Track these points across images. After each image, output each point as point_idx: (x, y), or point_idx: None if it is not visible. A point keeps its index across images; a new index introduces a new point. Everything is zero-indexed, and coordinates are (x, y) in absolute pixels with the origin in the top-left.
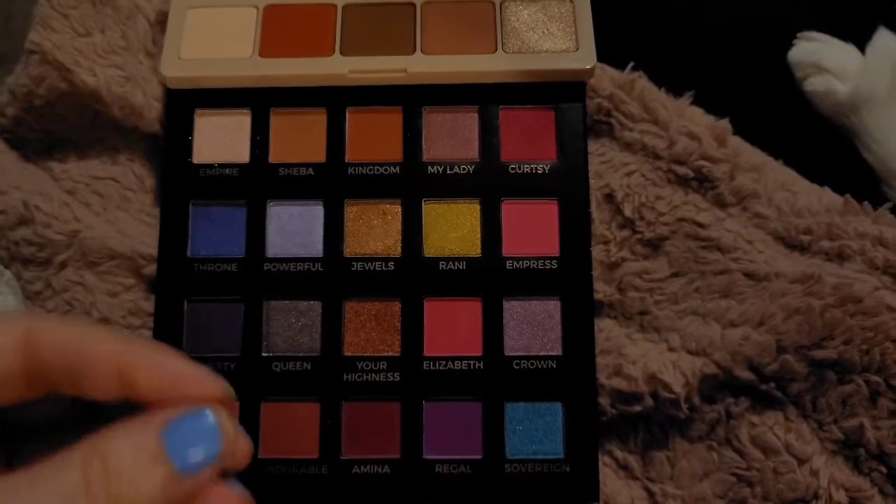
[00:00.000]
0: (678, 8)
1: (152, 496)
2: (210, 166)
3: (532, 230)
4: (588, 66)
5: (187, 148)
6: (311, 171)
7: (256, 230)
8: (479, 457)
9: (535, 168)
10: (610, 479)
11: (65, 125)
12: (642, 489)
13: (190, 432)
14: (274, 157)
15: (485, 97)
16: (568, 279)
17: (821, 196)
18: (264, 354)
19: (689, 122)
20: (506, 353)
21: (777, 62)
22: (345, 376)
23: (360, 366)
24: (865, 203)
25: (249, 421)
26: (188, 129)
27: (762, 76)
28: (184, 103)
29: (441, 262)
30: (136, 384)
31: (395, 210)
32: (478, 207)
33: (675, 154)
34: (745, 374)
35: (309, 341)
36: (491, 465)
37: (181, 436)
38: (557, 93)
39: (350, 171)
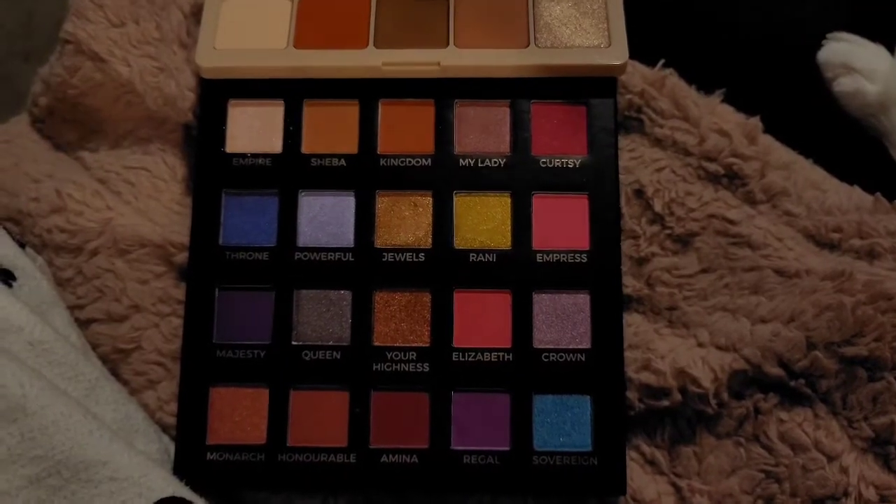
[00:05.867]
0: (709, 6)
1: None
2: (243, 156)
3: (562, 224)
4: (619, 62)
5: (220, 137)
6: (343, 161)
7: (288, 220)
8: (506, 448)
9: (566, 162)
10: (637, 474)
11: (98, 115)
12: (669, 484)
13: None
14: (306, 148)
15: (517, 91)
16: (597, 273)
17: (850, 194)
18: (294, 343)
19: (720, 120)
20: (535, 346)
21: (807, 62)
22: (374, 366)
23: (389, 356)
24: (895, 202)
25: (279, 408)
26: (222, 118)
27: (792, 75)
28: (218, 93)
29: (471, 254)
30: None
31: (426, 202)
32: (508, 200)
33: (706, 151)
34: (775, 371)
35: (339, 330)
36: (518, 456)
37: None
38: (589, 88)
39: (382, 162)
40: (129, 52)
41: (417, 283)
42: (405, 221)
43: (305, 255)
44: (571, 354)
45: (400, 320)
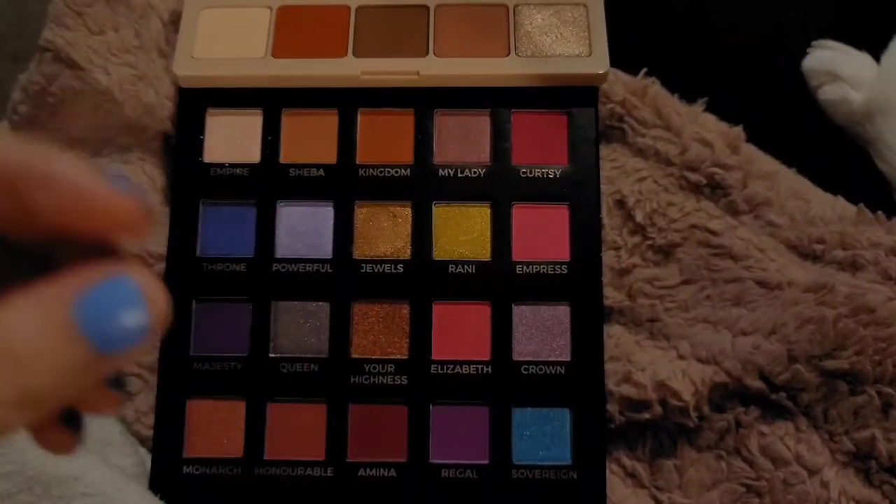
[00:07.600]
0: (692, 14)
1: (66, 382)
2: (221, 166)
3: (542, 235)
4: (601, 71)
5: (198, 147)
6: (321, 171)
7: (266, 230)
8: (485, 462)
9: (547, 172)
10: (617, 487)
11: (76, 123)
12: (650, 497)
13: (109, 304)
14: (285, 158)
15: (497, 100)
16: (578, 285)
17: (834, 205)
18: (272, 355)
19: (702, 129)
20: (514, 358)
21: (791, 70)
22: (352, 378)
23: (367, 368)
24: (879, 213)
25: (256, 422)
26: (200, 128)
27: (776, 83)
28: (196, 102)
29: (450, 266)
30: (34, 204)
31: (405, 212)
32: (488, 211)
33: (688, 160)
34: (756, 384)
35: (317, 342)
36: (497, 470)
37: (99, 309)
38: (570, 97)
39: (361, 172)
40: (108, 60)
41: (396, 294)
42: (384, 232)
43: (283, 267)
44: (551, 367)
45: (378, 332)
